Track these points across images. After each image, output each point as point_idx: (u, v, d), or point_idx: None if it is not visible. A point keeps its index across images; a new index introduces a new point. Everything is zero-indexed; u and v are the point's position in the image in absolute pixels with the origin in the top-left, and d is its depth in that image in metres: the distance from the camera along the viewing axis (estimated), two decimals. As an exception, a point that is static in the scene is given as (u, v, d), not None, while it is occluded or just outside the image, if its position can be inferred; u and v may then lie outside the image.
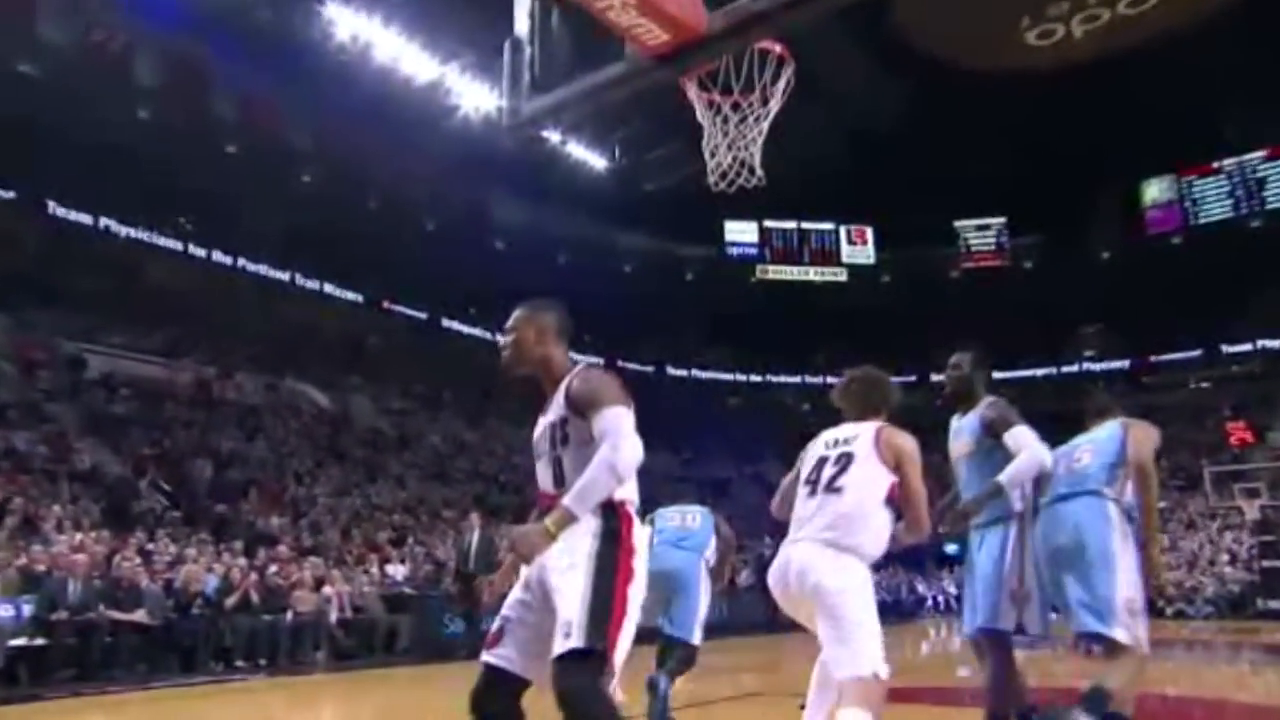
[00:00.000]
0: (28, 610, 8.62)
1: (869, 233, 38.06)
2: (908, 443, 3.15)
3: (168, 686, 8.40)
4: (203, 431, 17.03)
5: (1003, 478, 3.65)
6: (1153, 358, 33.39)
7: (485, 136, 22.04)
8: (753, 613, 15.20)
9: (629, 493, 2.51)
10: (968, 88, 24.76)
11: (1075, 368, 34.59)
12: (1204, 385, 32.60)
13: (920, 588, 24.21)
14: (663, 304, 33.46)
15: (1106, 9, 22.75)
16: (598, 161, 27.20)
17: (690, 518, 5.48)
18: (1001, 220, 37.19)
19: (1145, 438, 3.75)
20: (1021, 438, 3.70)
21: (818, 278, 37.70)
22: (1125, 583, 3.50)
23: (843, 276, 37.80)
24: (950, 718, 6.22)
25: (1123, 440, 3.72)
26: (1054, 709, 3.35)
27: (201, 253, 23.37)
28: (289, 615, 10.57)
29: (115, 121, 20.44)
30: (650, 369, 32.39)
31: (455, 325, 29.29)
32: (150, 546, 11.18)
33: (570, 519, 2.39)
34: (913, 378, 30.51)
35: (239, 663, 9.84)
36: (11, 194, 19.85)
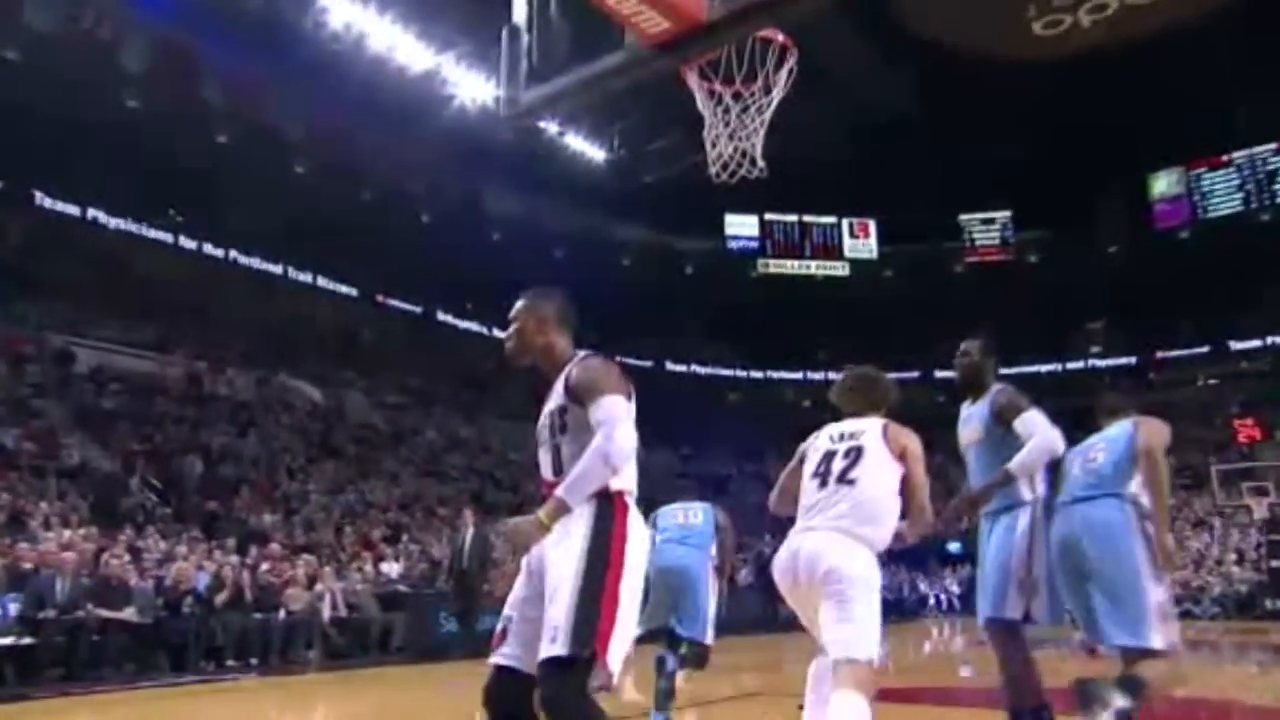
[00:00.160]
0: (14, 609, 8.52)
1: (872, 226, 37.59)
2: (913, 440, 3.22)
3: (157, 686, 8.33)
4: (193, 427, 16.90)
5: (1012, 465, 3.64)
6: (1160, 354, 33.20)
7: (482, 127, 21.68)
8: (753, 612, 15.29)
9: (627, 482, 2.51)
10: (973, 79, 24.36)
11: (1081, 364, 34.32)
12: (1212, 382, 32.39)
13: (923, 586, 24.14)
14: (662, 298, 33.17)
15: (1115, -2, 22.38)
16: (596, 152, 26.79)
17: (691, 514, 5.54)
18: (1007, 214, 36.70)
19: (1156, 430, 3.74)
20: (1032, 423, 3.68)
21: (820, 272, 37.28)
22: (1154, 588, 3.48)
23: (845, 271, 37.34)
24: (951, 718, 6.22)
25: (1132, 435, 3.70)
26: (1093, 682, 3.29)
27: (192, 245, 23.24)
28: (281, 614, 10.51)
29: (104, 110, 20.12)
30: (649, 364, 31.97)
31: (450, 319, 29.21)
32: (140, 544, 11.15)
33: (564, 509, 2.41)
34: (915, 374, 30.33)
35: (230, 662, 9.77)
36: (-2, 184, 19.54)
